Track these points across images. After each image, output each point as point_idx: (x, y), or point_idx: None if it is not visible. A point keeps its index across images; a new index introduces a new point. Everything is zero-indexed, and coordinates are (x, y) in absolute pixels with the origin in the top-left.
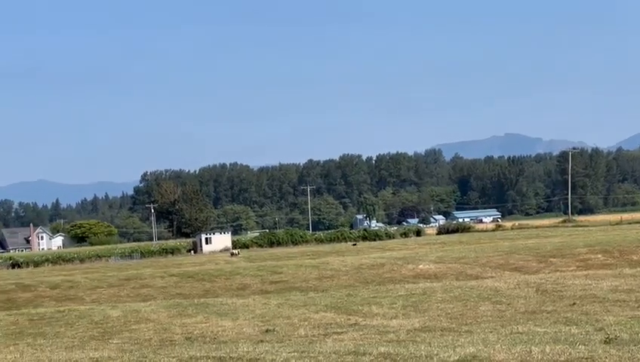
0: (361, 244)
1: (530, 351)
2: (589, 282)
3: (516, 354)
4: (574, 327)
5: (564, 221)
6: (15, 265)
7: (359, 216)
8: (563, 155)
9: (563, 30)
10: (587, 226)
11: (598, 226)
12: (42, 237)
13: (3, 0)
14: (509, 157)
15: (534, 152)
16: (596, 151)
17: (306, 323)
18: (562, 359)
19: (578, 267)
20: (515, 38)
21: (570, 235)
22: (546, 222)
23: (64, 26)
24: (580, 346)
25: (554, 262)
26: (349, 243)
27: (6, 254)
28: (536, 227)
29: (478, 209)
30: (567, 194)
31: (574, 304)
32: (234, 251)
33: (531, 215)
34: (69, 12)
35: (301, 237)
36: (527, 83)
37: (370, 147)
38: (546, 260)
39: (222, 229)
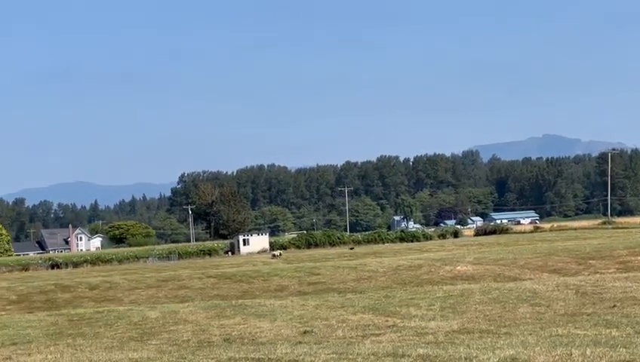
0: (398, 245)
1: (571, 354)
2: (630, 284)
3: (556, 357)
4: (615, 330)
5: (604, 223)
6: (54, 265)
7: (397, 218)
8: (602, 156)
9: (601, 30)
10: (627, 228)
11: (638, 228)
12: (81, 238)
13: (40, 1)
14: (547, 159)
15: (573, 153)
16: (636, 153)
17: (344, 324)
18: None
19: (618, 269)
20: (553, 38)
21: (609, 237)
22: (584, 223)
23: (101, 27)
24: (621, 349)
25: (593, 264)
26: (347, 248)
27: (45, 255)
28: (575, 229)
29: (515, 210)
30: (607, 195)
31: (614, 306)
32: (275, 253)
33: (570, 216)
34: (106, 13)
35: (339, 238)
36: (565, 84)
37: (407, 148)
38: (585, 262)
39: (259, 231)
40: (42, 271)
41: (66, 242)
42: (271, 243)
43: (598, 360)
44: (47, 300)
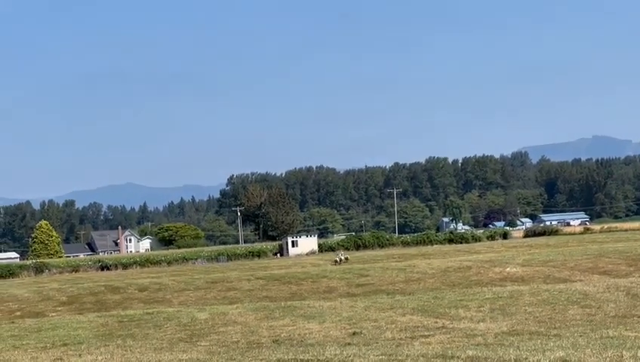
0: (447, 247)
1: (622, 356)
2: None
3: (607, 359)
4: None
5: None
6: (104, 267)
7: (445, 219)
8: None
9: None
10: None
11: None
12: (130, 240)
13: (92, 3)
14: (598, 160)
15: (623, 155)
16: None
17: (393, 326)
18: None
19: None
20: (602, 36)
21: None
22: (636, 225)
23: (153, 29)
24: None
25: None
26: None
27: (95, 256)
28: (626, 230)
29: (565, 212)
30: None
31: None
32: (338, 258)
33: (620, 218)
34: (158, 14)
35: (387, 240)
36: (615, 83)
37: (456, 149)
38: (636, 264)
39: (308, 232)
40: (92, 272)
41: (116, 244)
42: (320, 245)
43: None
44: (97, 301)
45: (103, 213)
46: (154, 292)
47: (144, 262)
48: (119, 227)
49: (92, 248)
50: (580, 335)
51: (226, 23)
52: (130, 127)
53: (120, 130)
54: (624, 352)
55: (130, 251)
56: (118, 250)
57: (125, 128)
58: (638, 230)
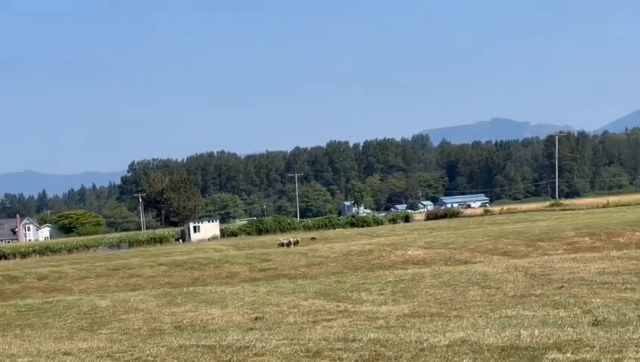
0: (349, 231)
1: (520, 335)
2: (577, 265)
3: (505, 338)
4: (562, 310)
5: (552, 205)
6: (1, 256)
7: (347, 203)
8: (550, 139)
9: (548, 14)
10: (574, 209)
11: (585, 209)
12: (29, 228)
13: None
14: (497, 142)
15: (522, 137)
16: (582, 135)
17: (296, 310)
18: (551, 342)
19: (566, 250)
20: (501, 22)
21: (557, 219)
22: (533, 206)
23: (48, 14)
24: (569, 329)
25: (542, 245)
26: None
27: None
28: (524, 211)
29: (466, 194)
30: (555, 178)
31: (562, 287)
32: (290, 240)
33: (519, 199)
34: (51, 1)
35: (289, 224)
36: (513, 67)
37: (357, 133)
38: (534, 244)
39: (210, 218)
40: None
41: (14, 232)
42: (222, 230)
43: (546, 340)
44: None
45: (0, 201)
46: (54, 281)
47: (43, 250)
48: (17, 215)
49: None
50: (480, 316)
51: (124, 6)
52: (29, 114)
53: (18, 118)
54: (522, 331)
55: (29, 240)
56: (17, 239)
57: (24, 115)
58: (535, 211)
